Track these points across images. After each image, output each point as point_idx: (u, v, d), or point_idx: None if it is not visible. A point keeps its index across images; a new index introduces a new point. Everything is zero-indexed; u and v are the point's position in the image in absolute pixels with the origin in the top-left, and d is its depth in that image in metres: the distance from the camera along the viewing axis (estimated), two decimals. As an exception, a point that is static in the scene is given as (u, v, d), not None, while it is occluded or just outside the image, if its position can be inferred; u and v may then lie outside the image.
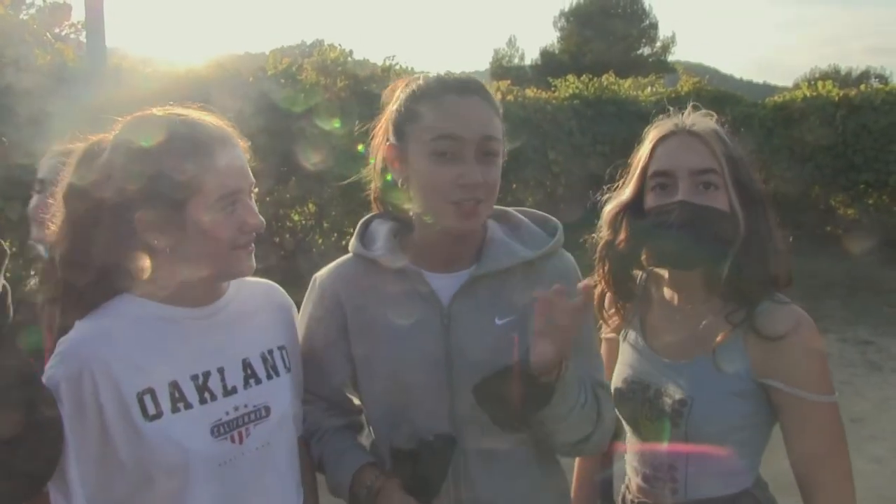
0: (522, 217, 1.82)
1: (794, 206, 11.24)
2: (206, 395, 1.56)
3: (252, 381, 1.63)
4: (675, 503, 1.79)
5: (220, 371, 1.59)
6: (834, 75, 36.09)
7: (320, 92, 7.17)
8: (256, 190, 1.63)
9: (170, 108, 1.58)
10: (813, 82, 13.25)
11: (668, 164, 1.73)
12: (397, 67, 8.71)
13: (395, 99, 1.70)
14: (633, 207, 1.81)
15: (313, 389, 1.80)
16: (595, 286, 1.89)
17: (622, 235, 1.84)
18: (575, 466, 2.14)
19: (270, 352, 1.68)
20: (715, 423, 1.72)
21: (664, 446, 1.78)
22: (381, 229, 1.79)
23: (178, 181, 1.47)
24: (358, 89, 7.48)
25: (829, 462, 1.69)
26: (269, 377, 1.65)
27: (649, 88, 12.22)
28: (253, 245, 1.58)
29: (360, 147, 1.76)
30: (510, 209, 1.84)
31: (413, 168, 1.63)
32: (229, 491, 1.56)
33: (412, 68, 8.83)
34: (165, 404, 1.50)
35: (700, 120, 1.79)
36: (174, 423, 1.50)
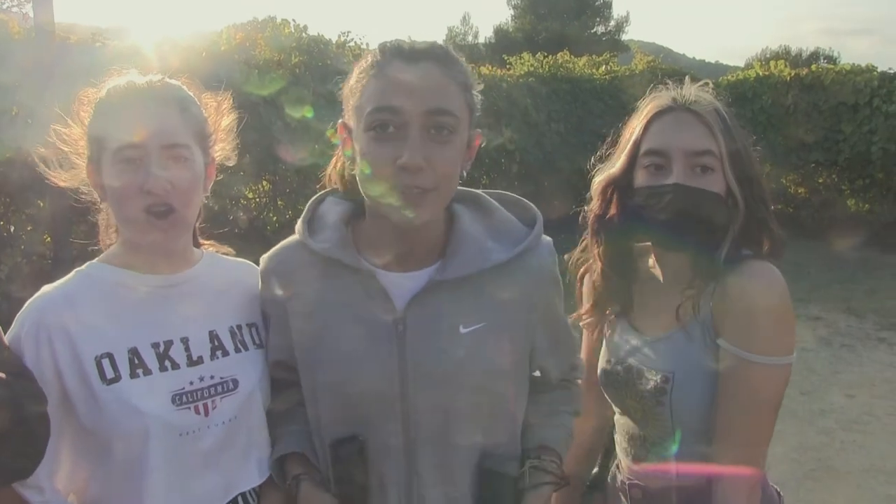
0: (497, 204, 1.61)
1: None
2: (167, 363, 1.54)
3: (219, 352, 1.61)
4: (667, 485, 1.72)
5: (184, 341, 1.57)
6: (785, 55, 36.53)
7: (275, 68, 7.06)
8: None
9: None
10: (765, 62, 13.40)
11: (662, 142, 1.63)
12: (352, 44, 8.63)
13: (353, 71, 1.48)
14: (623, 181, 1.71)
15: None
16: (577, 263, 1.87)
17: (612, 210, 1.74)
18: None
19: (239, 327, 1.66)
20: (697, 398, 1.64)
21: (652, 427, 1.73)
22: (332, 213, 1.58)
23: (94, 135, 1.53)
24: (312, 65, 7.39)
25: (744, 437, 1.60)
26: (237, 350, 1.63)
27: (604, 67, 12.21)
28: (174, 214, 1.51)
29: (330, 131, 1.62)
30: (482, 193, 1.63)
31: (357, 147, 1.43)
32: (188, 464, 1.53)
33: (367, 44, 8.75)
34: (124, 369, 1.50)
35: (699, 95, 1.67)
36: (132, 387, 1.49)
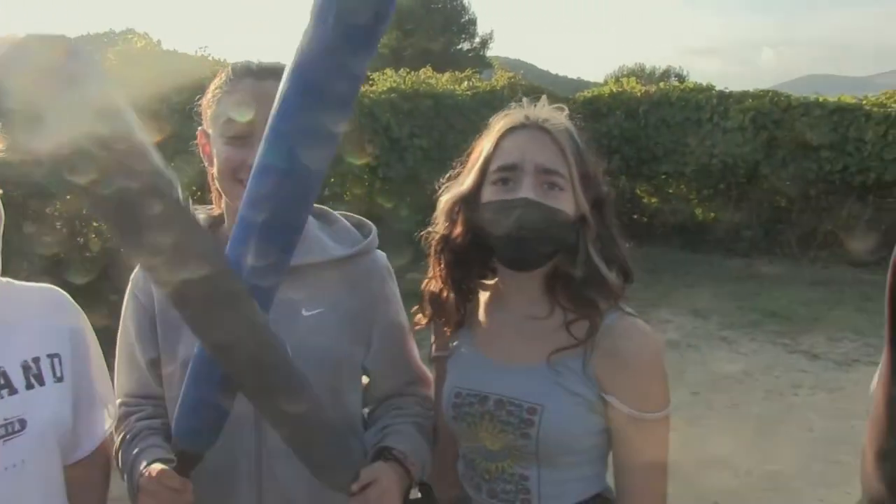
0: (340, 216, 1.85)
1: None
2: None
3: (5, 391, 1.45)
4: None
5: None
6: (639, 73, 38.14)
7: (125, 83, 6.88)
8: None
9: None
10: (619, 79, 14.01)
11: (513, 157, 1.61)
12: (210, 59, 8.50)
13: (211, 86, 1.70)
14: (471, 200, 1.68)
15: (128, 389, 1.74)
16: (427, 283, 1.81)
17: (459, 229, 1.71)
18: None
19: (36, 360, 1.52)
20: (567, 431, 1.63)
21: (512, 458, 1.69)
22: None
23: None
24: (167, 81, 7.24)
25: (652, 483, 1.67)
26: (28, 387, 1.49)
27: (466, 83, 12.47)
28: None
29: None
30: (328, 208, 1.86)
31: (214, 151, 1.65)
32: None
33: (225, 60, 8.65)
34: None
35: (552, 115, 1.68)
36: None
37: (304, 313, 1.67)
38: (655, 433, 1.65)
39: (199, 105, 1.74)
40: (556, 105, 1.72)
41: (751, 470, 4.83)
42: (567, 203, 1.62)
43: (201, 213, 1.79)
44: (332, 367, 1.70)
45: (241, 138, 1.59)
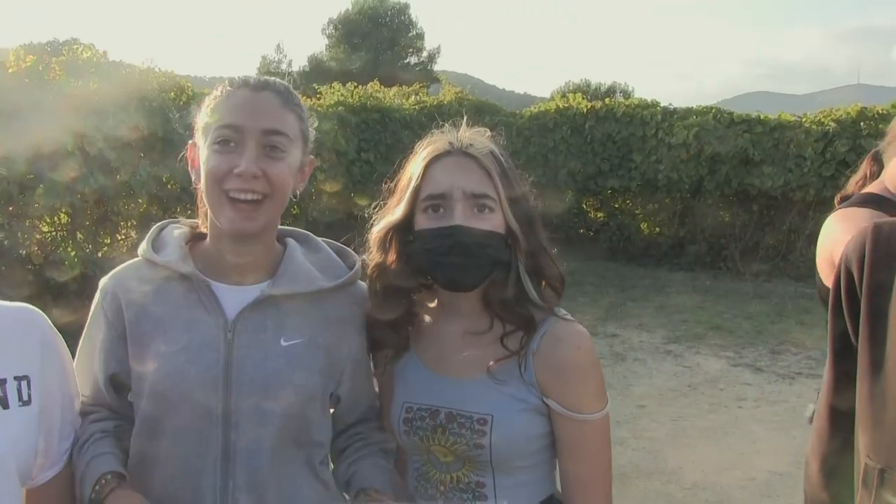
0: (324, 245, 1.83)
1: (551, 209, 12.03)
2: None
3: None
4: None
5: None
6: (585, 88, 38.52)
7: (71, 94, 6.74)
8: None
9: None
10: (565, 94, 14.18)
11: (442, 186, 1.65)
12: (157, 70, 8.39)
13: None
14: (403, 227, 1.71)
15: (84, 393, 1.69)
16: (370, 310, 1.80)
17: (392, 256, 1.74)
18: None
19: (3, 381, 1.46)
20: (518, 436, 1.68)
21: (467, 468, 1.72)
22: (174, 234, 1.73)
23: None
24: (114, 91, 7.12)
25: (598, 486, 1.71)
26: None
27: (413, 97, 12.52)
28: None
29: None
30: (313, 235, 1.85)
31: (201, 162, 1.61)
32: None
33: (173, 71, 8.54)
34: None
35: (475, 139, 1.71)
36: None
37: (283, 343, 1.64)
38: (596, 433, 1.69)
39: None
40: (477, 129, 1.75)
41: (696, 482, 4.88)
42: (498, 223, 1.67)
43: (184, 227, 1.77)
44: (306, 398, 1.66)
45: (227, 143, 1.56)
